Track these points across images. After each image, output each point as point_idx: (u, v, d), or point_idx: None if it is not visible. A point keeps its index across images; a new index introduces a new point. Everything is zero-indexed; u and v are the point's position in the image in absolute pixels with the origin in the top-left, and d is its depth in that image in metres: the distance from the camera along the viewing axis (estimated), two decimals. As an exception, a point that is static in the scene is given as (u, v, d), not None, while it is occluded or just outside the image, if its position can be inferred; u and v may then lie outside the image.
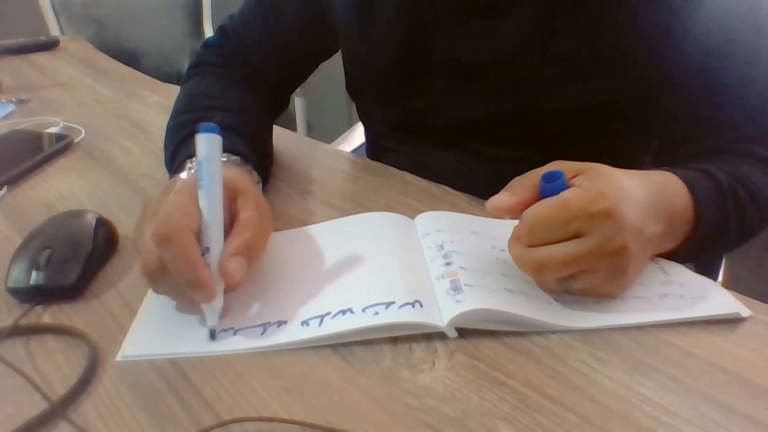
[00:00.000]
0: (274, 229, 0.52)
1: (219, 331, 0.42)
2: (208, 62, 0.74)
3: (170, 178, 0.57)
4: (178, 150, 0.58)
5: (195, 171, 0.50)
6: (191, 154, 0.53)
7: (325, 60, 0.79)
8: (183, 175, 0.50)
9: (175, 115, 0.65)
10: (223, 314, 0.43)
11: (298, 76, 0.79)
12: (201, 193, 0.42)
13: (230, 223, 0.44)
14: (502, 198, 0.43)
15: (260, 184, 0.58)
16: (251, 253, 0.43)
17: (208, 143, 0.43)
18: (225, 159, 0.53)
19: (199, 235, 0.41)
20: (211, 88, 0.70)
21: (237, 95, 0.68)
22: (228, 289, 0.42)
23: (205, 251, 0.41)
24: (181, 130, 0.60)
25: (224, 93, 0.69)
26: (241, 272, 0.41)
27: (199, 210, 0.42)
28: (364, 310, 0.42)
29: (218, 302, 0.41)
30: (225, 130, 0.45)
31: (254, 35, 0.73)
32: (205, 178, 0.42)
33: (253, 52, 0.73)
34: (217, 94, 0.68)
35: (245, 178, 0.49)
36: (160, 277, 0.41)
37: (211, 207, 0.42)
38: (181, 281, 0.40)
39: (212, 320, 0.42)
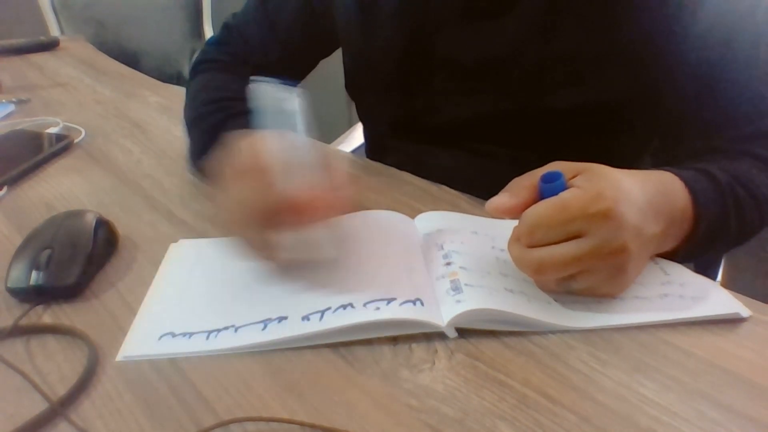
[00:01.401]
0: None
1: (242, 325, 0.43)
2: (215, 59, 0.75)
3: (197, 162, 0.61)
4: (213, 132, 0.58)
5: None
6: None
7: (324, 57, 0.79)
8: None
9: (197, 106, 0.66)
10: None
11: (300, 74, 0.79)
12: (299, 140, 0.44)
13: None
14: (501, 199, 0.43)
15: None
16: (344, 187, 0.45)
17: (295, 97, 0.45)
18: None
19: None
20: (228, 82, 0.71)
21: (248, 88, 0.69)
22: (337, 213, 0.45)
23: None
24: (212, 115, 0.62)
25: (241, 88, 0.69)
26: (348, 200, 0.45)
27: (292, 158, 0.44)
28: (365, 305, 0.42)
29: (334, 233, 0.45)
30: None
31: (257, 34, 0.74)
32: (299, 128, 0.44)
33: (257, 51, 0.74)
34: (236, 87, 0.69)
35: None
36: (276, 221, 0.42)
37: (310, 151, 0.44)
38: (306, 216, 0.42)
39: (331, 251, 0.46)
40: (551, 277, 0.43)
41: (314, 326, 0.41)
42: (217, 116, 0.61)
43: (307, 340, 0.41)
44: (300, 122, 0.45)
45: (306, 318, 0.42)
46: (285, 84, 0.45)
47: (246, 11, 0.76)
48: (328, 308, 0.43)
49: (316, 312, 0.42)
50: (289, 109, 0.45)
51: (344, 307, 0.42)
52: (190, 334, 0.42)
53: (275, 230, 0.43)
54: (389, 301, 0.42)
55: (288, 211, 0.42)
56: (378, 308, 0.42)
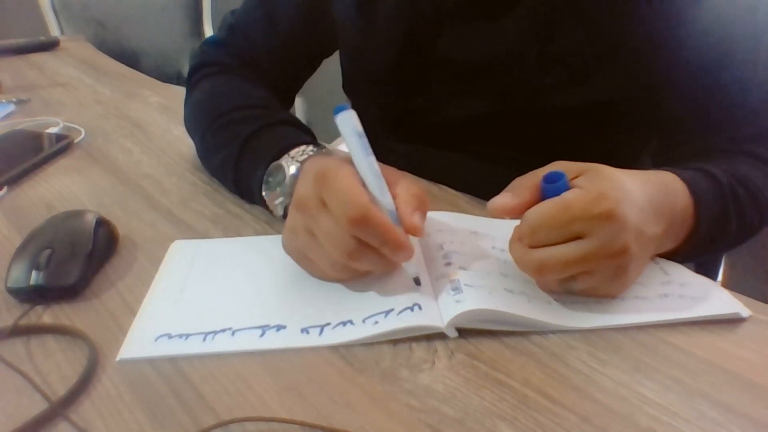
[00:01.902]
0: (274, 232, 0.52)
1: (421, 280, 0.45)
2: (220, 62, 0.73)
3: (235, 174, 0.59)
4: (248, 147, 0.58)
5: (297, 167, 0.52)
6: (282, 151, 0.54)
7: (327, 57, 0.79)
8: (289, 170, 0.52)
9: (216, 116, 0.63)
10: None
11: (303, 75, 0.79)
12: (366, 162, 0.45)
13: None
14: (503, 199, 0.43)
15: None
16: (424, 205, 0.45)
17: (354, 118, 0.46)
18: (304, 156, 0.54)
19: None
20: (243, 87, 0.69)
21: (267, 95, 0.68)
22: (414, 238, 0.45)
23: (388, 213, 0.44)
24: (241, 126, 0.60)
25: (258, 92, 0.68)
26: (423, 222, 0.44)
27: (362, 181, 0.44)
28: (364, 321, 0.42)
29: (416, 254, 0.45)
30: (292, 125, 0.45)
31: (260, 36, 0.72)
32: (365, 149, 0.45)
33: (261, 53, 0.72)
34: (252, 93, 0.68)
35: None
36: (360, 257, 0.42)
37: (377, 173, 0.45)
38: (383, 249, 0.42)
39: (414, 270, 0.45)
40: (552, 278, 0.43)
41: (313, 340, 0.41)
42: (247, 128, 0.59)
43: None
44: (365, 141, 0.45)
45: (305, 331, 0.42)
46: (342, 107, 0.46)
47: (246, 11, 0.74)
48: (328, 324, 0.42)
49: (316, 326, 0.42)
50: (356, 130, 0.45)
51: (344, 323, 0.42)
52: (187, 336, 0.42)
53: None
54: (387, 312, 0.42)
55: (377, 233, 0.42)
56: (377, 322, 0.42)
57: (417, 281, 0.45)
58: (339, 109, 0.46)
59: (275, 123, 0.60)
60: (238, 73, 0.72)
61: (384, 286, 0.45)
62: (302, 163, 0.52)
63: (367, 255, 0.42)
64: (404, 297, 0.43)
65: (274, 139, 0.57)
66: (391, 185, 0.45)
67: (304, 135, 0.58)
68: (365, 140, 0.45)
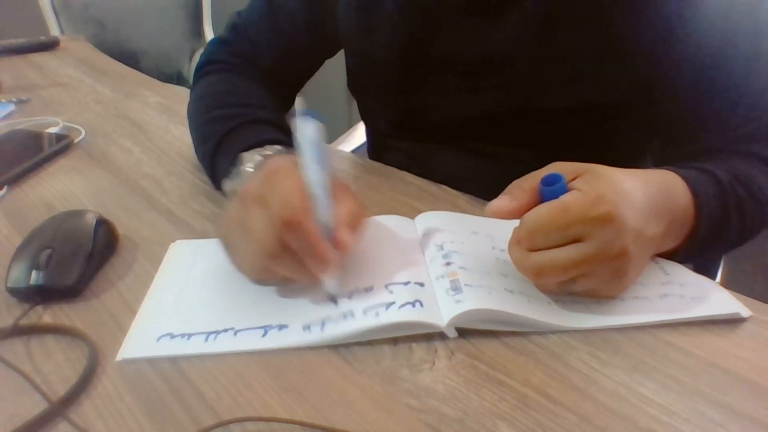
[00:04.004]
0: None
1: (339, 298, 0.44)
2: (222, 60, 0.75)
3: (210, 169, 0.61)
4: (224, 142, 0.60)
5: (257, 162, 0.54)
6: (247, 147, 0.56)
7: (330, 57, 0.79)
8: (249, 165, 0.54)
9: (207, 110, 0.66)
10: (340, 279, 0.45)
11: (305, 74, 0.79)
12: (316, 173, 0.45)
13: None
14: (501, 202, 0.43)
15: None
16: (358, 225, 0.45)
17: (314, 127, 0.46)
18: (269, 152, 0.56)
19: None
20: (237, 86, 0.71)
21: (263, 94, 0.70)
22: (342, 257, 0.45)
23: (323, 227, 0.44)
24: (224, 123, 0.62)
25: (251, 91, 0.70)
26: (353, 243, 0.44)
27: (307, 190, 0.44)
28: (364, 312, 0.42)
29: (339, 271, 0.44)
30: (271, 125, 0.46)
31: (264, 35, 0.74)
32: (320, 160, 0.45)
33: (264, 51, 0.74)
34: (246, 91, 0.70)
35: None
36: (278, 260, 0.43)
37: (324, 185, 0.45)
38: (306, 260, 0.42)
39: (333, 287, 0.44)
40: (552, 281, 0.42)
41: (315, 336, 0.41)
42: (226, 124, 0.61)
43: (306, 344, 0.41)
44: (321, 152, 0.45)
45: (307, 328, 0.42)
46: (307, 113, 0.46)
47: (251, 11, 0.75)
48: (329, 317, 0.43)
49: (317, 321, 0.42)
50: (312, 138, 0.45)
51: (345, 316, 0.42)
52: (189, 335, 0.42)
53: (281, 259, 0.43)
54: (388, 305, 0.42)
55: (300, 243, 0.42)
56: (377, 314, 0.42)
57: (333, 299, 0.44)
58: (303, 114, 0.46)
59: (254, 121, 0.61)
60: (237, 72, 0.73)
61: (385, 278, 0.45)
62: (265, 158, 0.54)
63: (288, 261, 0.42)
64: (406, 292, 0.43)
65: (247, 136, 0.59)
66: (337, 200, 0.45)
67: (280, 134, 0.59)
68: (322, 151, 0.45)
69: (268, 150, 0.56)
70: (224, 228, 0.47)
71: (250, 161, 0.55)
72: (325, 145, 0.46)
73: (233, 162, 0.57)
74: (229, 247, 0.46)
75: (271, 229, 0.41)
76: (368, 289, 0.45)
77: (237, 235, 0.45)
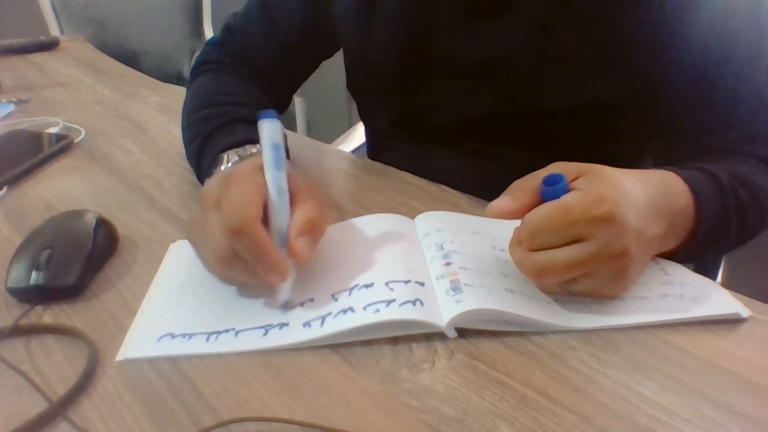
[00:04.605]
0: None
1: (291, 305, 0.44)
2: (215, 60, 0.75)
3: (196, 169, 0.62)
4: (207, 142, 0.60)
5: (234, 162, 0.54)
6: (227, 147, 0.57)
7: (326, 59, 0.79)
8: (226, 165, 0.54)
9: (194, 110, 0.66)
10: (295, 286, 0.45)
11: (301, 75, 0.79)
12: (273, 176, 0.45)
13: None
14: (502, 202, 0.43)
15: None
16: (315, 231, 0.45)
17: (272, 128, 0.46)
18: (250, 151, 0.56)
19: (265, 219, 0.44)
20: (226, 85, 0.71)
21: (252, 93, 0.70)
22: (298, 265, 0.44)
23: (278, 232, 0.44)
24: (207, 122, 0.62)
25: (240, 90, 0.70)
26: (308, 251, 0.44)
27: (267, 194, 0.44)
28: (365, 308, 0.42)
29: (291, 278, 0.44)
30: (253, 124, 0.47)
31: (259, 35, 0.73)
32: (276, 162, 0.45)
33: (259, 52, 0.74)
34: (234, 90, 0.70)
35: (290, 166, 0.52)
36: (231, 266, 0.43)
37: (281, 189, 0.45)
38: (256, 267, 0.42)
39: (285, 295, 0.44)
40: (553, 281, 0.42)
41: (315, 332, 0.41)
42: (210, 124, 0.61)
43: (307, 343, 0.41)
44: (278, 155, 0.45)
45: (307, 324, 0.42)
46: (266, 114, 0.46)
47: (246, 12, 0.75)
48: (329, 313, 0.43)
49: (317, 318, 0.42)
50: (268, 140, 0.45)
51: (344, 311, 0.42)
52: (190, 336, 0.42)
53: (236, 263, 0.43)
54: (389, 302, 0.42)
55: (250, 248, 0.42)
56: (378, 310, 0.42)
57: (285, 307, 0.44)
58: (263, 116, 0.46)
59: (236, 120, 0.62)
60: (229, 72, 0.74)
61: (386, 276, 0.45)
62: (242, 158, 0.55)
63: (241, 267, 0.43)
64: (407, 290, 0.43)
65: (227, 135, 0.59)
66: (296, 204, 0.45)
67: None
68: (280, 153, 0.45)
69: (251, 149, 0.56)
70: (188, 230, 0.47)
71: (228, 161, 0.55)
72: (283, 148, 0.46)
73: (214, 162, 0.57)
74: (194, 248, 0.46)
75: (221, 236, 0.42)
76: (369, 286, 0.45)
77: (197, 238, 0.45)
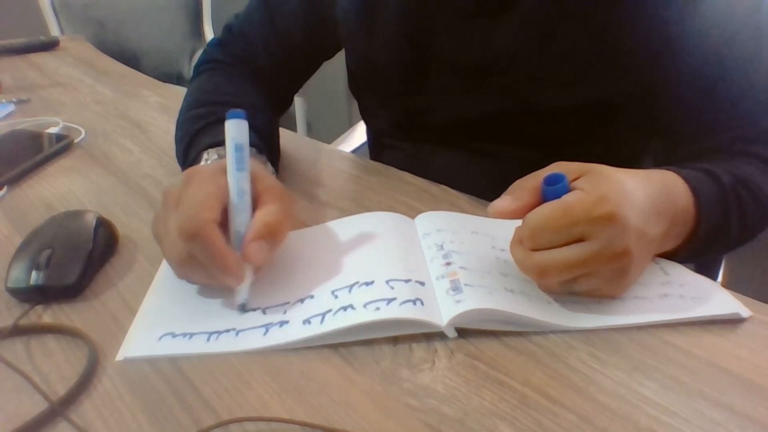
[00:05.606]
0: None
1: (248, 307, 0.44)
2: (216, 60, 0.75)
3: (184, 169, 0.61)
4: (192, 142, 0.60)
5: (213, 160, 0.54)
6: (208, 145, 0.57)
7: (328, 59, 0.79)
8: (204, 164, 0.54)
9: (187, 109, 0.67)
10: (253, 288, 0.45)
11: (302, 76, 0.79)
12: (234, 177, 0.44)
13: (252, 209, 0.46)
14: (504, 202, 0.43)
15: (274, 176, 0.59)
16: (272, 236, 0.44)
17: (238, 129, 0.45)
18: None
19: (225, 220, 0.43)
20: (221, 84, 0.71)
21: (248, 92, 0.70)
22: (255, 270, 0.44)
23: (236, 234, 0.44)
24: (195, 122, 0.62)
25: (235, 90, 0.70)
26: (263, 255, 0.43)
27: (227, 195, 0.44)
28: (365, 306, 0.42)
29: (247, 281, 0.43)
30: None
31: (260, 35, 0.73)
32: (238, 163, 0.45)
33: (260, 52, 0.73)
34: (229, 90, 0.70)
35: (262, 167, 0.52)
36: (187, 267, 0.43)
37: (242, 191, 0.44)
38: (212, 270, 0.42)
39: (242, 297, 0.44)
40: (554, 280, 0.42)
41: (315, 329, 0.41)
42: (197, 124, 0.62)
43: (308, 342, 0.41)
44: (240, 155, 0.45)
45: (307, 321, 0.42)
46: (232, 114, 0.45)
47: (248, 12, 0.75)
48: (329, 310, 0.43)
49: (317, 315, 0.42)
50: (231, 139, 0.45)
51: (344, 309, 0.42)
52: (191, 335, 0.42)
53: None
54: (389, 301, 0.42)
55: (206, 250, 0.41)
56: (378, 308, 0.42)
57: (242, 309, 0.44)
58: (230, 116, 0.45)
59: (222, 120, 0.61)
60: (227, 71, 0.74)
61: (386, 275, 0.45)
62: (221, 158, 0.54)
63: (198, 269, 0.43)
64: (407, 289, 0.43)
65: (211, 135, 0.59)
66: (260, 207, 0.45)
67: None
68: (243, 154, 0.45)
69: (223, 150, 0.56)
70: (153, 227, 0.47)
71: (207, 160, 0.55)
72: (247, 149, 0.45)
73: (196, 161, 0.57)
74: (159, 246, 0.46)
75: (177, 238, 0.42)
76: (369, 284, 0.45)
77: (159, 236, 0.45)
